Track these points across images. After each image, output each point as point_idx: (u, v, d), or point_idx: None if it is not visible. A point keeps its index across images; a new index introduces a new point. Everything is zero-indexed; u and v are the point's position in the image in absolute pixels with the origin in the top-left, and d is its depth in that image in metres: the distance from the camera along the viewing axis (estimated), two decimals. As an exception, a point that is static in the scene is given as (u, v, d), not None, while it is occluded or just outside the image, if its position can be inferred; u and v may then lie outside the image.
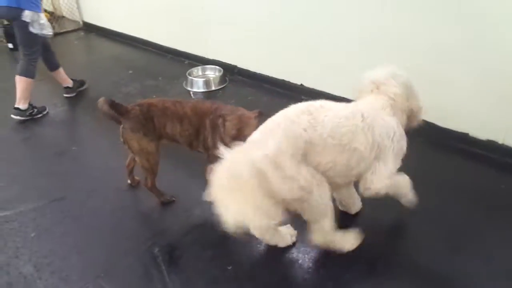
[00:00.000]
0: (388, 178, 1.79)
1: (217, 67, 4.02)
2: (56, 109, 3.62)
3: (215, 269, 1.95)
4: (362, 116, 1.74)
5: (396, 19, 2.79)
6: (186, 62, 4.41)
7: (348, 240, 1.93)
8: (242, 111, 2.18)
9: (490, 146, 2.60)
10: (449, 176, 2.47)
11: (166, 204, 2.36)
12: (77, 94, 3.83)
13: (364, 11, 2.93)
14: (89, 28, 5.81)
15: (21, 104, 3.33)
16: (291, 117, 1.70)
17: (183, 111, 2.16)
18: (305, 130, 1.65)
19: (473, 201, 2.25)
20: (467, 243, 2.00)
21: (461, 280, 1.83)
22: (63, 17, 6.51)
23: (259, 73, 3.83)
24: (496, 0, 2.34)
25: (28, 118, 3.36)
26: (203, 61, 4.23)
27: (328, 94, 3.20)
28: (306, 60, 3.44)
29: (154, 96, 3.71)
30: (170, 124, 2.16)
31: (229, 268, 1.94)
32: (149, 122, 2.14)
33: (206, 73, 4.04)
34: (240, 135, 2.04)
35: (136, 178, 2.51)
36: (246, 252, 2.06)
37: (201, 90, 3.80)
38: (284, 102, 3.27)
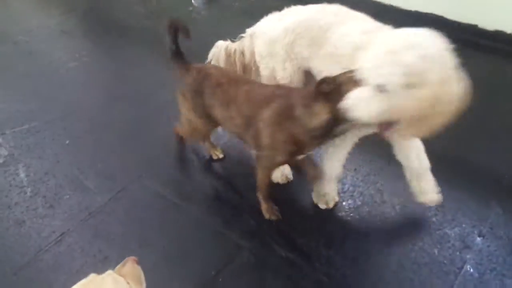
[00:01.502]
0: None
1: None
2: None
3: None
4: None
5: None
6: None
7: None
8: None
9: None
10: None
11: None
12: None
13: None
14: None
15: None
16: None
17: (234, 93, 1.64)
18: None
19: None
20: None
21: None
22: None
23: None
24: None
25: None
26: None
27: None
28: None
29: (155, 4, 3.61)
30: (218, 106, 1.69)
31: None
32: (198, 97, 1.73)
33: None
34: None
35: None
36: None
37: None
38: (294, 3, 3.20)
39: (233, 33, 3.04)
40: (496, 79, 2.48)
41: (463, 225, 1.71)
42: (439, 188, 1.74)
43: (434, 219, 1.75)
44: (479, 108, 2.08)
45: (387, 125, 1.30)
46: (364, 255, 1.67)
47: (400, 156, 1.66)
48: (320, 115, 1.40)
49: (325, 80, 1.37)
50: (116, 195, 1.97)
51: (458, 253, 1.61)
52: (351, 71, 1.33)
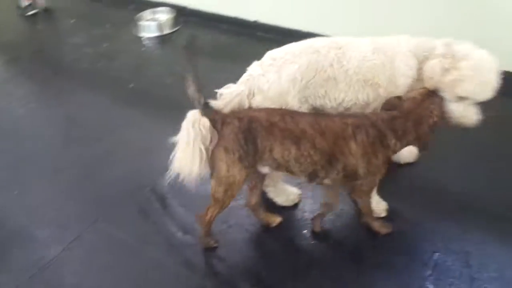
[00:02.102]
0: None
1: (168, 9, 3.90)
2: None
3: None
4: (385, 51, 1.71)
5: None
6: (132, 6, 4.22)
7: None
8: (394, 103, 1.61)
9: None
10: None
11: (207, 248, 1.85)
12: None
13: None
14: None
15: None
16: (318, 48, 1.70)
17: (299, 129, 1.56)
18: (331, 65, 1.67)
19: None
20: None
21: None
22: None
23: (211, 12, 3.79)
24: None
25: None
26: (150, 4, 4.07)
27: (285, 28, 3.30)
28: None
29: (105, 45, 3.61)
30: (280, 146, 1.56)
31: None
32: (249, 143, 1.56)
33: (156, 16, 3.91)
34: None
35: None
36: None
37: (154, 34, 3.71)
38: (241, 40, 3.34)
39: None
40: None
41: (422, 244, 1.76)
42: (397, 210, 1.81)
43: (393, 243, 1.78)
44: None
45: None
46: (329, 282, 1.67)
47: None
48: (409, 135, 1.57)
49: (395, 101, 1.59)
50: (70, 244, 1.88)
51: (418, 272, 1.64)
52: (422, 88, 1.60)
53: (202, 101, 1.55)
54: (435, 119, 1.57)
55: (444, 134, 2.26)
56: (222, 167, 1.59)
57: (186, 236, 1.90)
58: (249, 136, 1.56)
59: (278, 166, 1.62)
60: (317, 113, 1.75)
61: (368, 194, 1.70)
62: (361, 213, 1.79)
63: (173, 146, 1.68)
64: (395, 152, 1.61)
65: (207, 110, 1.58)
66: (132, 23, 3.83)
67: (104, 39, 3.71)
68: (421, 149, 1.73)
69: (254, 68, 1.75)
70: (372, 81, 1.69)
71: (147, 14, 3.92)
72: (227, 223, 1.92)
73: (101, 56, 3.50)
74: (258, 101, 1.70)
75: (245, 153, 1.57)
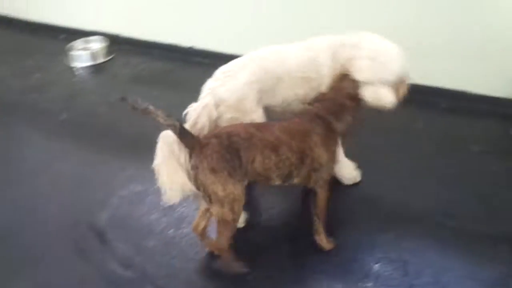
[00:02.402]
0: None
1: (100, 37, 3.82)
2: None
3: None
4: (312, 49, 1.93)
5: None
6: (62, 36, 4.08)
7: None
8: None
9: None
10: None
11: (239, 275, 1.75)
12: None
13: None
14: None
15: None
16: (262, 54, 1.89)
17: (274, 136, 1.63)
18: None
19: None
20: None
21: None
22: None
23: (146, 40, 3.76)
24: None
25: None
26: (82, 34, 3.97)
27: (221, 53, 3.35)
28: (196, 20, 3.45)
29: (35, 77, 3.45)
30: (260, 156, 1.60)
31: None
32: (234, 158, 1.56)
33: (89, 45, 3.81)
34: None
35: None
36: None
37: (87, 64, 3.60)
38: (177, 66, 3.33)
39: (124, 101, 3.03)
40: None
41: (363, 256, 1.81)
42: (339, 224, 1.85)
43: (336, 258, 1.82)
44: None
45: None
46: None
47: None
48: (348, 119, 1.75)
49: (324, 95, 1.79)
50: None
51: (360, 283, 1.68)
52: (341, 81, 1.79)
53: (178, 125, 1.52)
54: (355, 96, 1.77)
55: (380, 147, 2.42)
56: (217, 188, 1.55)
57: (127, 271, 1.80)
58: (232, 150, 1.56)
59: (257, 177, 1.66)
60: (278, 120, 1.83)
61: (327, 182, 1.77)
62: (315, 229, 1.81)
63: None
64: (341, 134, 1.78)
65: (184, 134, 1.55)
66: (63, 53, 3.70)
67: (34, 70, 3.54)
68: (358, 127, 1.86)
69: (211, 83, 1.84)
70: (307, 76, 1.88)
71: (79, 43, 3.81)
72: (169, 254, 1.86)
73: (31, 88, 3.32)
74: (222, 111, 1.77)
75: (232, 168, 1.56)
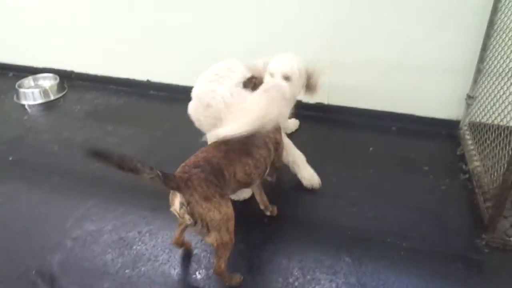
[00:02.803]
0: None
1: (51, 74, 3.74)
2: None
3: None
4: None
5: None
6: (11, 74, 3.96)
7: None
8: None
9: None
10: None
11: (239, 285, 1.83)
12: None
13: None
14: None
15: None
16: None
17: (242, 143, 1.78)
18: None
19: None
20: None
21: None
22: None
23: (101, 75, 3.72)
24: None
25: None
26: (32, 71, 3.87)
27: (177, 86, 3.37)
28: (152, 54, 3.46)
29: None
30: (240, 165, 1.73)
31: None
32: (219, 178, 1.64)
33: (39, 82, 3.71)
34: None
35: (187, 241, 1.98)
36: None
37: (38, 101, 3.50)
38: (133, 100, 3.33)
39: (75, 137, 2.96)
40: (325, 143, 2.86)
41: (322, 282, 1.82)
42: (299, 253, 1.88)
43: (296, 283, 1.82)
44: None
45: None
46: None
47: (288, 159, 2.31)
48: None
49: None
50: None
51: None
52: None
53: (160, 174, 1.48)
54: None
55: (332, 171, 2.48)
56: (215, 214, 1.59)
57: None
58: (216, 171, 1.63)
59: (240, 187, 1.82)
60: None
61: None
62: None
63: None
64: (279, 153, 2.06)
65: (167, 180, 1.52)
66: (13, 91, 3.59)
67: (-21, 110, 3.40)
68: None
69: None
70: None
71: (29, 80, 3.71)
72: (137, 269, 1.81)
73: (-24, 129, 3.18)
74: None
75: (220, 188, 1.62)
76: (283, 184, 2.41)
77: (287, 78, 2.17)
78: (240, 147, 1.76)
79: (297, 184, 2.36)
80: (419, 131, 2.86)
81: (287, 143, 2.32)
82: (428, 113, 2.88)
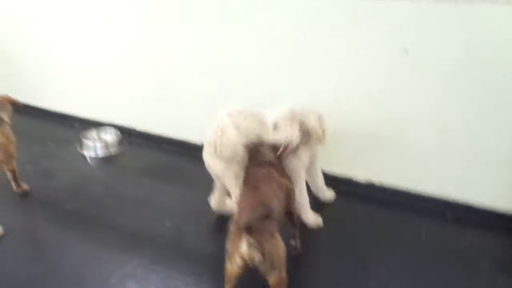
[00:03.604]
0: None
1: (113, 129, 3.99)
2: None
3: None
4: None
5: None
6: (77, 124, 4.27)
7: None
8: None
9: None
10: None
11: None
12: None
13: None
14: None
15: None
16: None
17: (271, 179, 2.12)
18: None
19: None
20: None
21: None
22: None
23: (158, 134, 3.92)
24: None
25: None
26: (96, 124, 4.16)
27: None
28: (205, 117, 3.59)
29: (45, 163, 3.53)
30: (276, 201, 2.01)
31: None
32: (272, 215, 1.85)
33: (101, 135, 3.97)
34: None
35: None
36: None
37: (98, 153, 3.72)
38: (185, 160, 3.45)
39: (128, 193, 3.08)
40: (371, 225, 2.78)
41: None
42: None
43: None
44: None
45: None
46: None
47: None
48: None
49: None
50: None
51: None
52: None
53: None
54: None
55: (380, 260, 2.39)
56: (280, 250, 1.77)
57: None
58: (269, 210, 1.83)
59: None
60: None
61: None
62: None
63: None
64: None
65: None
66: (76, 141, 3.85)
67: (45, 156, 3.64)
68: None
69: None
70: None
71: (92, 133, 3.98)
72: None
73: (40, 174, 3.39)
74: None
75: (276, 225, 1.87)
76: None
77: (275, 126, 2.38)
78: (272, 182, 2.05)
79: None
80: (476, 221, 2.72)
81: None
82: (486, 203, 2.76)
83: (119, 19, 3.74)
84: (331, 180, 3.06)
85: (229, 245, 1.80)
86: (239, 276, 1.80)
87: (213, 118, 2.48)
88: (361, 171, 3.11)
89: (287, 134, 2.34)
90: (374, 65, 2.74)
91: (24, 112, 4.65)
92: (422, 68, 2.61)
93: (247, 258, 1.69)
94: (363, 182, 3.10)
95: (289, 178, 2.32)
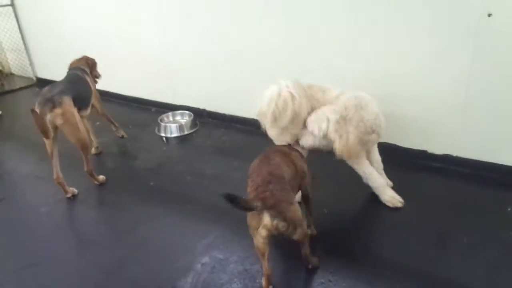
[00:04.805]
0: None
1: (187, 112, 4.20)
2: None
3: None
4: None
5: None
6: (153, 109, 4.54)
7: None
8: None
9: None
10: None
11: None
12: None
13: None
14: (43, 84, 5.74)
15: None
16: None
17: (287, 161, 2.17)
18: None
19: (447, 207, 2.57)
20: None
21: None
22: (12, 74, 6.42)
23: (229, 114, 4.06)
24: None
25: None
26: (170, 108, 4.39)
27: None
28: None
29: (128, 145, 3.81)
30: (286, 170, 2.10)
31: None
32: (285, 183, 2.00)
33: (177, 118, 4.20)
34: None
35: None
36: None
37: (174, 135, 3.94)
38: (258, 140, 3.53)
39: (205, 170, 3.24)
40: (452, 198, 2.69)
41: None
42: None
43: None
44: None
45: None
46: None
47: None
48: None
49: None
50: None
51: None
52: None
53: (259, 205, 1.83)
54: None
55: (465, 231, 2.32)
56: (298, 213, 1.93)
57: None
58: (282, 180, 1.98)
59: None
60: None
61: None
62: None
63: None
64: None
65: (265, 204, 1.83)
66: (153, 124, 4.10)
67: (128, 138, 3.93)
68: None
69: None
70: None
71: (168, 116, 4.21)
72: None
73: (124, 155, 3.68)
74: None
75: (291, 191, 2.03)
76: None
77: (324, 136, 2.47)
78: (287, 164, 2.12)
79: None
80: None
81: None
82: None
83: (195, 12, 3.89)
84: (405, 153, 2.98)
85: (250, 220, 1.92)
86: (269, 247, 1.92)
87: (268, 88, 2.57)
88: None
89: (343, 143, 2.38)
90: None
91: (105, 99, 5.04)
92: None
93: (272, 228, 1.84)
94: (440, 154, 2.99)
95: (305, 162, 2.34)
